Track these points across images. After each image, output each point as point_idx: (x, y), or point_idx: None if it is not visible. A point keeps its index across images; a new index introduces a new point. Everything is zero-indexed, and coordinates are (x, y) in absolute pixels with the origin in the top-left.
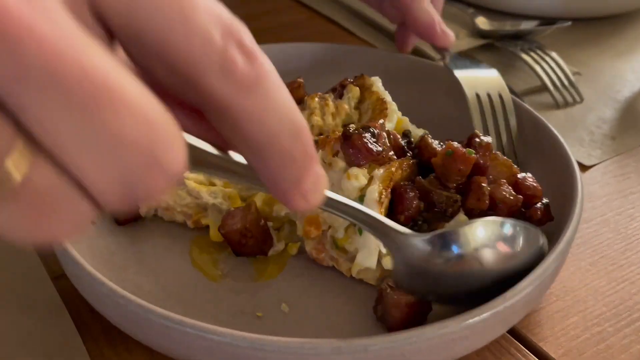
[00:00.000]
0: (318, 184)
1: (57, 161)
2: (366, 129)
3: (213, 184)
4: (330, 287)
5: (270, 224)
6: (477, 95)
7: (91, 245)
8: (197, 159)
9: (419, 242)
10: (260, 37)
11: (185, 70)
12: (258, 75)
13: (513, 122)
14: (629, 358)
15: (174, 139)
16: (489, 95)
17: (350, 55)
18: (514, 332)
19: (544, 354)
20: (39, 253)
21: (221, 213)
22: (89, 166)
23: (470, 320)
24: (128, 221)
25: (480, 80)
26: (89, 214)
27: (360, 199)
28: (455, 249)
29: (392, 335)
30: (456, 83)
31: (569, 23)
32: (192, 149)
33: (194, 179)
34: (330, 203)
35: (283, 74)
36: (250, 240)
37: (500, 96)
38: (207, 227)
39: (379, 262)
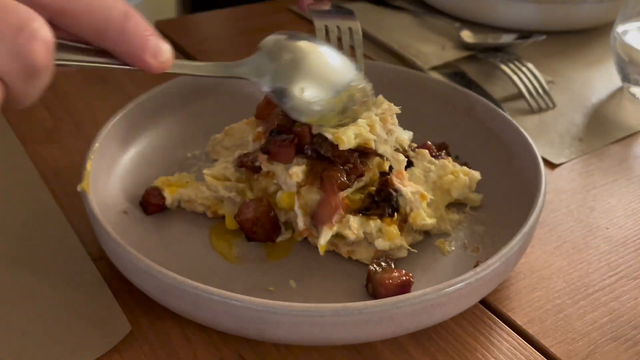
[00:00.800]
0: (159, 48)
1: None
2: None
3: (228, 180)
4: (331, 267)
5: (282, 219)
6: (326, 26)
7: (125, 232)
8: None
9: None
10: None
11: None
12: None
13: (359, 52)
14: (582, 325)
15: (35, 18)
16: (338, 27)
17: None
18: (486, 304)
19: (512, 321)
20: (83, 241)
21: (235, 205)
22: None
23: (447, 289)
24: (155, 212)
25: (333, 16)
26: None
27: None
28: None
29: (382, 301)
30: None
31: (544, 37)
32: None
33: (211, 176)
34: (180, 66)
35: None
36: (260, 229)
37: (350, 29)
38: (223, 216)
39: (372, 244)
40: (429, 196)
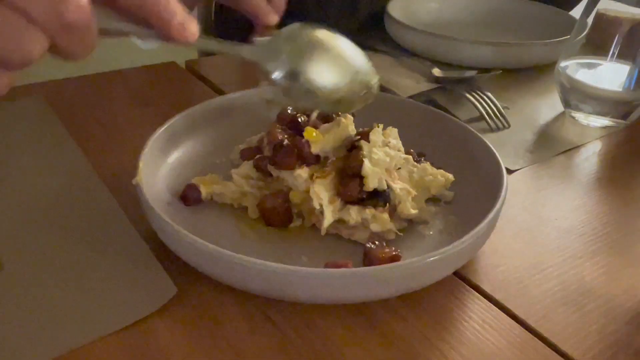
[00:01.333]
0: (186, 21)
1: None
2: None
3: (251, 178)
4: (334, 246)
5: (294, 210)
6: None
7: (169, 218)
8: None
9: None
10: None
11: None
12: None
13: None
14: (538, 292)
15: None
16: None
17: None
18: (460, 276)
19: (481, 289)
20: (132, 221)
21: (256, 198)
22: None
23: (430, 259)
24: (193, 204)
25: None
26: (42, 42)
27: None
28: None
29: (380, 267)
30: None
31: (500, 72)
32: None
33: (238, 174)
34: (203, 41)
35: None
36: (277, 216)
37: None
38: (246, 207)
39: (368, 228)
40: (413, 192)
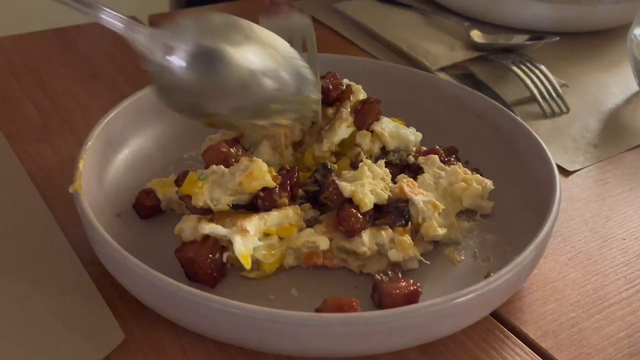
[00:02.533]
0: None
1: None
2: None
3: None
4: (334, 276)
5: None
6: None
7: (119, 236)
8: None
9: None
10: None
11: None
12: None
13: (315, 68)
14: (598, 339)
15: None
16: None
17: (351, 66)
18: (497, 316)
19: (524, 335)
20: (72, 244)
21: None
22: None
23: (458, 300)
24: (150, 215)
25: (286, 27)
26: None
27: None
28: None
29: (391, 311)
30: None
31: (557, 38)
32: None
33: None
34: None
35: None
36: (201, 273)
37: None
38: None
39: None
40: (441, 206)
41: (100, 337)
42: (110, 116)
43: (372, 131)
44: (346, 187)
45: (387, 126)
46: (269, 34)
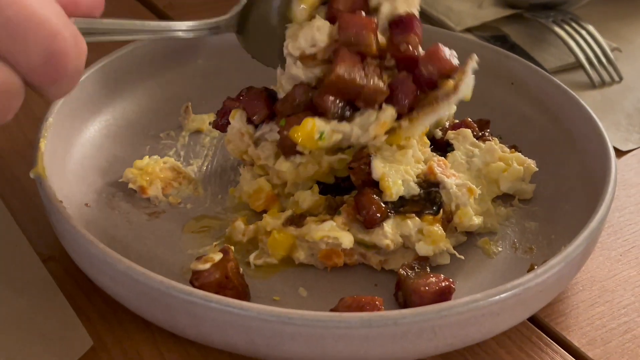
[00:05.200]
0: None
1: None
2: None
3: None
4: (347, 272)
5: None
6: None
7: (88, 229)
8: None
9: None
10: None
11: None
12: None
13: None
14: None
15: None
16: None
17: None
18: (535, 321)
19: (567, 342)
20: (28, 236)
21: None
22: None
23: (501, 295)
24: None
25: None
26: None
27: None
28: None
29: (423, 308)
30: None
31: None
32: None
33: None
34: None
35: None
36: (230, 292)
37: None
38: None
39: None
40: (477, 190)
41: (64, 344)
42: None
43: None
44: (379, 167)
45: None
46: None
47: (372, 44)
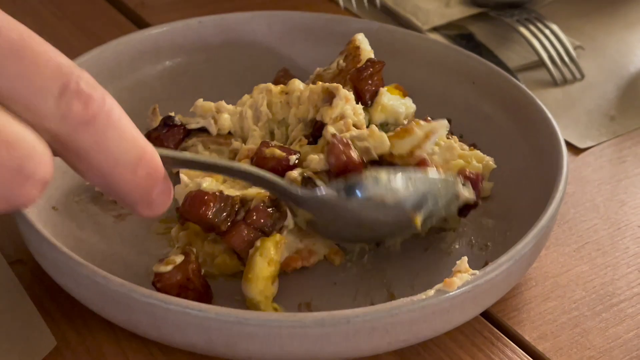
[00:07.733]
0: (163, 197)
1: None
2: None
3: None
4: (307, 274)
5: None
6: None
7: (55, 233)
8: None
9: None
10: (247, 6)
11: (30, 119)
12: (93, 114)
13: None
14: (603, 341)
15: (34, 154)
16: None
17: (335, 25)
18: (488, 317)
19: (518, 337)
20: None
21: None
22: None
23: (447, 294)
24: None
25: None
26: None
27: None
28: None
29: (375, 307)
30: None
31: None
32: None
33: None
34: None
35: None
36: (191, 293)
37: None
38: None
39: None
40: None
41: (28, 344)
42: None
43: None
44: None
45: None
46: None
47: None
